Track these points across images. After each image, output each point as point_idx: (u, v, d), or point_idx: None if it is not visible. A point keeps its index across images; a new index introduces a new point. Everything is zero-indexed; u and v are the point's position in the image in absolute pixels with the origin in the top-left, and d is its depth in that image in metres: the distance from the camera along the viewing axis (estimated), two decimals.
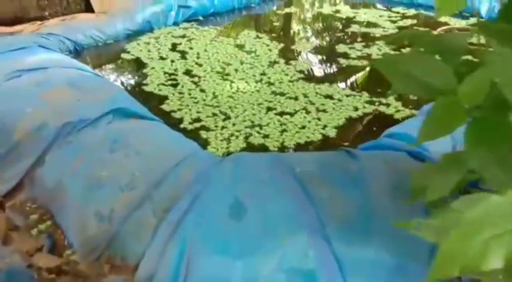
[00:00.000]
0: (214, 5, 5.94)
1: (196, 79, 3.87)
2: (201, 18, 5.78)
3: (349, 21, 5.72)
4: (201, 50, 4.59)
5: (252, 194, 1.68)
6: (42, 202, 2.22)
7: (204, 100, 3.45)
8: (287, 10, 6.49)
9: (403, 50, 4.48)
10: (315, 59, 4.28)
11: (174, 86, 3.74)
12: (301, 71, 4.03)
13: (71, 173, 2.15)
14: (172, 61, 4.30)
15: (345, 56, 4.40)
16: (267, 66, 4.13)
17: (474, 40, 4.71)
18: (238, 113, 3.23)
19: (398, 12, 5.97)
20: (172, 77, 3.92)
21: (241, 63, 4.23)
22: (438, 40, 1.56)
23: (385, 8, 6.22)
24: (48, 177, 2.23)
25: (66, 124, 2.41)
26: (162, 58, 4.39)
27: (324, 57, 4.46)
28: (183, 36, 5.05)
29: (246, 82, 3.79)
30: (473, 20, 5.48)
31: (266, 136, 2.93)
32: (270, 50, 4.58)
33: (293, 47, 4.74)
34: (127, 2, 5.58)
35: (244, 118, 3.15)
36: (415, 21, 5.53)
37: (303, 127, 3.03)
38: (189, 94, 3.56)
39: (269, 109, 3.29)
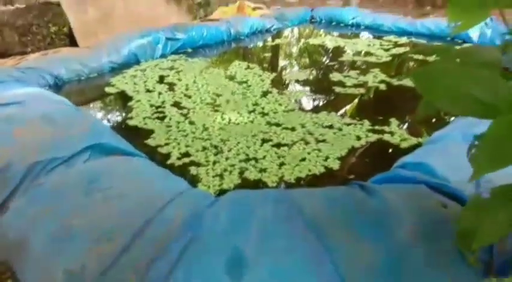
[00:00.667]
0: (203, 37, 5.82)
1: (185, 111, 3.61)
2: (189, 50, 5.63)
3: (339, 50, 5.62)
4: (190, 82, 4.37)
5: (255, 243, 1.37)
6: (2, 257, 1.87)
7: (194, 133, 3.18)
8: (276, 42, 6.39)
9: (401, 76, 4.32)
10: (309, 88, 4.09)
11: (161, 119, 3.47)
12: (296, 101, 3.81)
13: (37, 221, 1.82)
14: (160, 93, 4.06)
15: (341, 84, 4.22)
16: (260, 97, 3.91)
17: None
18: (231, 145, 2.96)
19: (390, 41, 5.91)
20: (160, 109, 3.67)
21: (233, 93, 4.01)
22: (468, 52, 1.34)
23: (372, 37, 6.15)
24: (11, 227, 1.89)
25: (35, 164, 2.10)
26: (148, 90, 4.16)
27: (319, 86, 4.27)
28: (171, 68, 4.86)
29: (239, 113, 3.54)
30: (465, 46, 5.40)
31: (263, 170, 2.65)
32: (262, 80, 4.39)
33: (285, 76, 4.56)
34: (113, 35, 5.41)
35: (238, 151, 2.88)
36: (407, 49, 5.44)
37: (303, 159, 2.76)
38: (177, 127, 3.30)
39: (264, 141, 3.03)
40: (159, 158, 2.83)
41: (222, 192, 2.44)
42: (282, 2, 11.59)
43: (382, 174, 2.13)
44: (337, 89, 4.07)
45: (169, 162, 2.78)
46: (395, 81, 4.25)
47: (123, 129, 3.37)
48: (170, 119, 3.46)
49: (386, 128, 3.17)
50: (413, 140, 2.97)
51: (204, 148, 2.94)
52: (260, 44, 6.45)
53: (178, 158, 2.82)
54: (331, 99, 3.94)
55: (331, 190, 1.81)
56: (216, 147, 2.96)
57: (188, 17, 8.06)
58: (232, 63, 5.03)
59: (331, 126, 3.24)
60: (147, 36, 5.20)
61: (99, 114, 3.74)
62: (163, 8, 7.47)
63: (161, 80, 4.49)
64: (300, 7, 8.07)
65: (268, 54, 5.70)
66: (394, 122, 3.27)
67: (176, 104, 3.79)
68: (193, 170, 2.67)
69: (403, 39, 5.96)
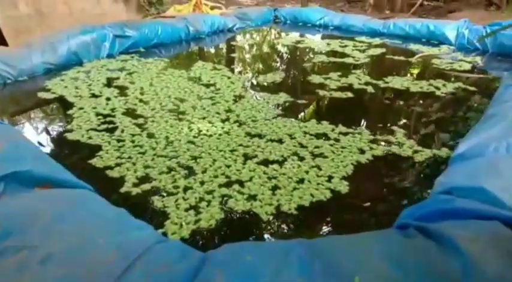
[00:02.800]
0: (158, 35, 5.08)
1: (141, 120, 2.88)
2: (142, 49, 4.87)
3: (312, 51, 5.11)
4: (146, 85, 3.63)
5: None
6: None
7: (154, 149, 2.47)
8: (242, 42, 5.78)
9: (386, 78, 3.86)
10: (288, 91, 3.51)
11: (111, 131, 2.72)
12: (277, 106, 3.20)
13: None
14: (108, 99, 3.29)
15: (323, 87, 3.67)
16: (233, 102, 3.26)
17: (456, 66, 4.26)
18: (206, 164, 2.28)
19: (363, 42, 5.50)
20: (108, 119, 2.90)
21: (199, 98, 3.33)
22: None
23: (342, 38, 5.72)
24: None
25: None
26: (93, 96, 3.37)
27: (300, 90, 3.70)
28: (121, 69, 4.08)
29: (210, 122, 2.87)
30: (444, 47, 5.11)
31: (252, 197, 2.00)
32: (232, 82, 3.74)
33: (259, 78, 3.95)
34: (48, 31, 4.54)
35: (216, 172, 2.21)
36: (384, 50, 5.04)
37: (301, 180, 2.14)
38: (132, 141, 2.56)
39: (247, 157, 2.38)
40: (108, 186, 2.09)
41: (199, 233, 1.76)
42: (238, 4, 11.04)
43: (423, 203, 1.56)
44: (321, 92, 3.52)
45: (122, 190, 2.05)
46: (381, 83, 3.78)
47: (60, 146, 2.58)
48: (122, 131, 2.71)
49: (391, 138, 2.64)
50: (427, 152, 2.46)
51: (170, 169, 2.24)
52: (223, 44, 5.81)
53: (135, 184, 2.09)
54: (317, 104, 3.37)
55: (378, 238, 1.20)
56: (185, 167, 2.27)
57: (138, 15, 7.25)
58: (194, 63, 4.34)
59: (325, 137, 2.66)
60: (91, 32, 4.37)
61: (28, 127, 2.90)
62: (109, 5, 6.62)
63: (109, 83, 3.70)
64: (262, 7, 7.54)
65: (235, 55, 5.07)
66: (398, 130, 2.75)
67: (129, 112, 3.05)
68: (157, 201, 1.96)
69: (376, 40, 5.59)
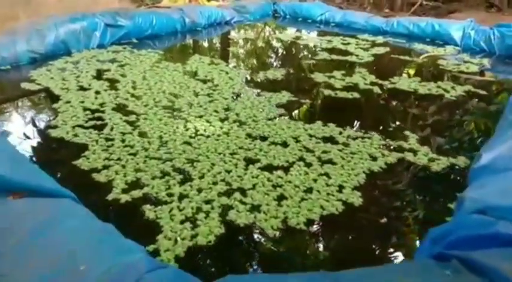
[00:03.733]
0: (152, 25, 4.82)
1: (132, 117, 2.65)
2: (135, 40, 4.60)
3: (314, 48, 4.90)
4: (138, 78, 3.39)
5: None
6: None
7: (146, 150, 2.24)
8: (241, 35, 5.55)
9: (392, 78, 3.67)
10: (291, 89, 3.29)
11: (99, 128, 2.48)
12: (279, 105, 2.99)
13: None
14: (97, 92, 3.05)
15: (328, 86, 3.47)
16: (232, 99, 3.04)
17: (463, 68, 4.08)
18: (204, 169, 2.06)
19: (366, 40, 5.30)
20: (97, 115, 2.67)
21: (196, 94, 3.10)
22: None
23: (344, 35, 5.51)
24: None
25: None
26: (82, 88, 3.12)
27: (303, 88, 3.48)
28: (113, 61, 3.82)
29: (207, 121, 2.65)
30: (449, 48, 4.94)
31: (255, 208, 1.79)
32: (230, 78, 3.51)
33: (259, 75, 3.73)
34: (34, 18, 4.26)
35: (215, 178, 1.99)
36: (388, 49, 4.85)
37: (309, 190, 1.94)
38: (122, 141, 2.33)
39: (249, 161, 2.17)
40: (94, 192, 1.86)
41: (196, 251, 1.54)
42: None
43: (454, 225, 1.37)
44: (326, 92, 3.31)
45: (110, 197, 1.82)
46: (388, 84, 3.58)
47: (42, 144, 2.34)
48: (112, 128, 2.48)
49: (404, 144, 2.45)
50: (444, 160, 2.27)
51: (164, 173, 2.02)
52: (221, 37, 5.56)
53: (125, 191, 1.87)
54: (322, 104, 3.16)
55: (416, 272, 1.00)
56: (181, 171, 2.05)
57: (132, 5, 6.97)
58: (191, 57, 4.10)
59: (333, 141, 2.45)
60: (81, 20, 4.11)
61: (7, 122, 2.65)
62: None
63: (99, 75, 3.45)
64: (261, 0, 7.30)
65: (233, 49, 4.83)
66: (411, 135, 2.56)
67: (120, 108, 2.81)
68: (148, 211, 1.74)
69: (380, 39, 5.39)
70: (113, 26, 4.37)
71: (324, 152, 2.31)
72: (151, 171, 2.03)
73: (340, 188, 1.97)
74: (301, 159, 2.22)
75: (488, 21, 7.27)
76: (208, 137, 2.43)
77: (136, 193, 1.85)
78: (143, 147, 2.27)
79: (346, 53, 4.65)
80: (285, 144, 2.38)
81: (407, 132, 2.60)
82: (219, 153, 2.23)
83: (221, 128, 2.55)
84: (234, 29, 5.90)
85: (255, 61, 4.47)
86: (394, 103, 3.24)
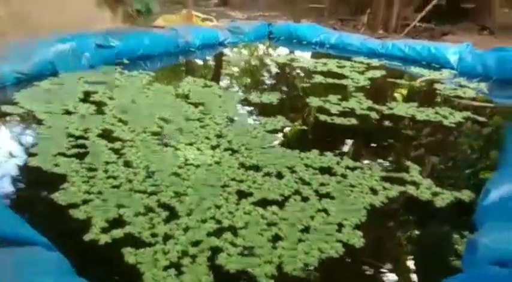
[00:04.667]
0: (144, 45, 4.71)
1: (118, 145, 2.49)
2: (126, 61, 4.48)
3: (308, 71, 4.81)
4: (127, 102, 3.25)
5: None
6: None
7: (131, 182, 2.08)
8: (235, 57, 5.46)
9: (389, 103, 3.57)
10: (286, 114, 3.17)
11: (81, 156, 2.32)
12: (273, 131, 2.86)
13: None
14: (83, 117, 2.90)
15: (323, 111, 3.35)
16: (225, 125, 2.90)
17: (470, 93, 4.01)
18: (192, 204, 1.91)
19: (361, 62, 5.24)
20: (80, 142, 2.51)
21: (187, 119, 2.96)
22: None
23: (339, 57, 5.44)
24: None
25: None
26: (67, 112, 2.97)
27: (298, 113, 3.36)
28: (101, 83, 3.69)
29: (198, 149, 2.50)
30: (446, 72, 4.88)
31: (247, 251, 1.63)
32: (223, 102, 3.39)
33: (253, 98, 3.60)
34: (19, 38, 4.14)
35: (204, 215, 1.83)
36: (384, 72, 4.78)
37: (306, 229, 1.79)
38: (105, 171, 2.17)
39: (242, 195, 2.02)
40: (70, 232, 1.70)
41: None
42: (228, 17, 10.81)
43: (473, 278, 1.22)
44: (322, 117, 3.19)
45: (88, 237, 1.65)
46: (385, 109, 3.48)
47: (18, 174, 2.17)
48: (95, 157, 2.32)
49: (405, 176, 2.31)
50: (448, 194, 2.13)
51: (148, 209, 1.85)
52: (215, 58, 5.47)
53: (104, 230, 1.70)
54: (318, 130, 3.03)
55: None
56: (167, 207, 1.89)
57: (124, 25, 6.88)
58: (183, 79, 3.98)
59: (330, 172, 2.32)
60: (70, 41, 3.99)
61: None
62: (93, 12, 6.23)
63: (86, 97, 3.31)
64: (256, 21, 7.27)
65: (227, 71, 4.73)
66: (412, 166, 2.43)
67: (106, 134, 2.66)
68: (128, 254, 1.57)
69: (375, 61, 5.33)
70: (103, 47, 4.26)
71: (322, 184, 2.16)
72: (134, 206, 1.86)
73: (340, 227, 1.82)
74: (297, 192, 2.07)
75: (481, 44, 7.28)
76: (198, 166, 2.27)
77: (117, 233, 1.68)
78: (127, 178, 2.11)
79: (341, 76, 4.56)
80: (280, 176, 2.23)
81: (408, 163, 2.47)
82: (209, 186, 2.08)
83: (212, 156, 2.40)
84: (228, 50, 5.82)
85: (249, 83, 4.36)
86: (392, 130, 3.12)
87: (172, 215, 1.83)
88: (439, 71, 4.94)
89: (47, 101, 3.16)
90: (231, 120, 3.01)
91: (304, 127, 2.99)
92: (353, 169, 2.36)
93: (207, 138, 2.66)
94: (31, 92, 3.34)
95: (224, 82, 4.28)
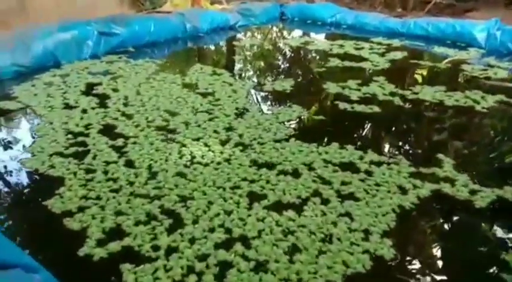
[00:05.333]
0: (150, 32, 4.49)
1: (120, 142, 2.30)
2: (131, 49, 4.27)
3: (324, 54, 4.52)
4: (132, 93, 3.05)
5: None
6: None
7: (132, 184, 1.89)
8: (246, 41, 5.19)
9: (413, 88, 3.29)
10: (302, 103, 2.93)
11: (80, 156, 2.14)
12: (288, 124, 2.62)
13: None
14: (84, 111, 2.72)
15: (343, 98, 3.09)
16: (235, 117, 2.68)
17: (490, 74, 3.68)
18: (198, 210, 1.71)
19: (381, 43, 4.91)
20: (80, 139, 2.33)
21: (195, 112, 2.75)
22: None
23: (356, 38, 5.11)
24: None
25: None
26: (67, 106, 2.79)
27: (315, 101, 3.11)
28: (105, 73, 3.50)
29: (206, 144, 2.29)
30: (473, 51, 4.52)
31: (261, 266, 1.43)
32: (234, 91, 3.16)
33: (265, 86, 3.36)
34: (17, 26, 3.96)
35: (211, 222, 1.64)
36: (405, 54, 4.45)
37: (328, 238, 1.57)
38: (105, 173, 1.98)
39: (254, 198, 1.81)
40: (63, 246, 1.52)
41: None
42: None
43: None
44: (342, 105, 2.93)
45: (82, 252, 1.47)
46: (409, 94, 3.20)
47: (11, 178, 2.00)
48: (95, 156, 2.14)
49: (438, 171, 2.06)
50: (489, 192, 1.88)
51: (150, 217, 1.66)
52: (225, 43, 5.22)
53: (100, 242, 1.52)
54: (338, 120, 2.78)
55: None
56: (171, 214, 1.69)
57: (131, 10, 6.65)
58: (191, 67, 3.75)
59: (353, 168, 2.08)
60: (72, 29, 3.79)
61: None
62: None
63: (89, 90, 3.12)
64: (267, 2, 6.94)
65: (237, 57, 4.47)
66: (445, 160, 2.18)
67: (107, 130, 2.47)
68: (127, 272, 1.38)
69: (395, 42, 4.99)
70: (107, 34, 4.05)
71: (344, 183, 1.94)
72: (135, 214, 1.68)
73: (366, 234, 1.60)
74: (316, 193, 1.85)
75: (508, 19, 6.80)
76: (206, 165, 2.07)
77: (115, 246, 1.50)
78: (128, 180, 1.92)
79: (359, 58, 4.26)
80: (296, 174, 2.01)
81: (440, 156, 2.21)
82: (218, 187, 1.87)
83: (221, 153, 2.19)
84: (238, 34, 5.54)
85: (260, 70, 4.10)
86: (419, 118, 2.85)
87: (177, 223, 1.63)
88: (466, 50, 4.58)
89: (47, 94, 2.98)
90: (242, 111, 2.78)
91: (322, 117, 2.74)
92: (378, 164, 2.12)
93: (216, 131, 2.45)
94: (31, 85, 3.16)
95: (234, 69, 4.03)
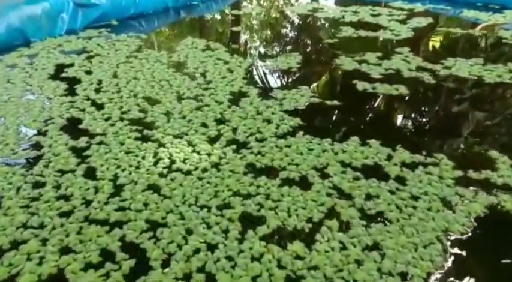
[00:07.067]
0: (136, 3, 3.92)
1: (83, 142, 1.83)
2: (114, 22, 3.73)
3: (335, 22, 3.93)
4: (107, 76, 2.56)
5: None
6: None
7: (89, 204, 1.43)
8: (245, 10, 4.59)
9: (445, 61, 2.73)
10: (311, 84, 2.42)
11: (30, 163, 1.68)
12: (294, 112, 2.12)
13: None
14: (48, 99, 2.24)
15: (360, 75, 2.56)
16: (229, 104, 2.18)
17: None
18: (172, 244, 1.26)
19: (401, 8, 4.29)
20: (35, 139, 1.87)
21: (180, 98, 2.26)
22: None
23: (372, 3, 4.48)
24: None
25: None
26: (28, 95, 2.31)
27: (328, 81, 2.59)
28: (80, 52, 2.99)
29: (189, 143, 1.81)
30: (509, 13, 3.89)
31: None
32: (229, 70, 2.64)
33: (267, 64, 2.84)
34: None
35: (188, 264, 1.18)
36: (430, 20, 3.84)
37: None
38: (56, 187, 1.53)
39: (248, 222, 1.35)
40: None
41: None
42: None
43: None
44: (360, 85, 2.41)
45: None
46: (440, 69, 2.65)
47: None
48: (48, 163, 1.67)
49: (492, 175, 1.57)
50: None
51: (105, 255, 1.21)
52: (222, 12, 4.63)
53: None
54: (357, 106, 2.26)
55: None
56: (133, 250, 1.24)
57: None
58: (181, 41, 3.22)
59: (380, 173, 1.59)
60: (42, 0, 3.26)
61: None
62: None
63: (58, 73, 2.64)
64: None
65: (235, 29, 3.90)
66: (501, 159, 1.67)
67: (70, 125, 2.00)
68: None
69: (417, 6, 4.36)
70: (85, 6, 3.51)
71: (369, 196, 1.46)
72: (86, 251, 1.23)
73: (403, 280, 1.13)
74: (332, 214, 1.38)
75: None
76: (187, 173, 1.60)
77: None
78: (85, 198, 1.46)
79: (377, 27, 3.68)
80: (305, 183, 1.53)
81: (492, 153, 1.71)
82: (201, 207, 1.41)
83: (209, 155, 1.72)
84: (238, 2, 4.93)
85: (262, 44, 3.55)
86: (457, 100, 2.32)
87: (140, 266, 1.18)
88: (501, 13, 3.95)
89: (7, 80, 2.51)
90: (238, 97, 2.28)
91: (336, 102, 2.22)
92: (412, 167, 1.63)
93: (204, 125, 1.96)
94: None
95: (231, 43, 3.48)
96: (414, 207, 1.40)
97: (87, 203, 1.44)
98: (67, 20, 3.39)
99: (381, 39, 3.35)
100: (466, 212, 1.38)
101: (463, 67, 2.68)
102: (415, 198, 1.45)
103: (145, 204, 1.43)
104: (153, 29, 3.80)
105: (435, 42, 3.37)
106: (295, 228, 1.32)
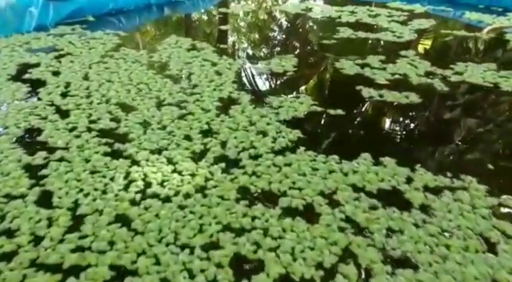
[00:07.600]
0: None
1: (40, 158, 1.51)
2: (91, 18, 3.40)
3: (332, 23, 3.67)
4: (77, 78, 2.23)
5: None
6: None
7: (37, 244, 1.12)
8: (235, 8, 4.30)
9: (454, 66, 2.49)
10: (312, 91, 2.14)
11: None
12: (293, 122, 1.83)
13: None
14: (4, 104, 1.91)
15: (364, 81, 2.29)
16: (217, 113, 1.88)
17: None
18: None
19: (400, 9, 4.06)
20: None
21: (159, 105, 1.95)
22: None
23: (369, 3, 4.24)
24: None
25: None
26: None
27: (328, 87, 2.31)
28: (49, 50, 2.67)
29: (169, 161, 1.51)
30: None
31: None
32: (218, 73, 2.35)
33: (261, 66, 2.55)
34: None
35: None
36: (432, 22, 3.62)
37: None
38: (0, 215, 1.21)
39: (241, 269, 1.05)
40: None
41: None
42: None
43: None
44: (366, 92, 2.14)
45: None
46: (451, 75, 2.41)
47: None
48: None
49: None
50: None
51: None
52: (210, 10, 4.32)
53: None
54: (365, 116, 1.99)
55: None
56: None
57: None
58: (164, 40, 2.91)
59: (400, 200, 1.32)
60: None
61: None
62: None
63: (20, 73, 2.30)
64: None
65: (224, 28, 3.60)
66: None
67: (28, 137, 1.67)
68: None
69: (417, 7, 4.15)
70: (57, 0, 3.17)
71: (390, 232, 1.18)
72: None
73: None
74: (347, 257, 1.09)
75: None
76: (166, 200, 1.29)
77: None
78: (34, 233, 1.15)
79: (377, 29, 3.44)
80: (311, 214, 1.25)
81: None
82: (182, 247, 1.11)
83: (193, 176, 1.41)
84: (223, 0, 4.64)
85: (252, 43, 3.26)
86: (477, 112, 2.06)
87: None
88: (505, 15, 3.76)
89: None
90: (227, 104, 1.98)
91: (341, 111, 1.94)
92: (437, 192, 1.36)
93: (188, 137, 1.66)
94: None
95: (219, 42, 3.18)
96: (447, 247, 1.13)
97: (37, 240, 1.13)
98: (36, 14, 3.04)
99: (382, 42, 3.10)
100: (510, 253, 1.12)
101: (476, 73, 2.44)
102: (445, 232, 1.18)
103: (111, 243, 1.12)
104: (133, 27, 3.48)
105: (441, 45, 3.14)
106: (303, 277, 1.03)
